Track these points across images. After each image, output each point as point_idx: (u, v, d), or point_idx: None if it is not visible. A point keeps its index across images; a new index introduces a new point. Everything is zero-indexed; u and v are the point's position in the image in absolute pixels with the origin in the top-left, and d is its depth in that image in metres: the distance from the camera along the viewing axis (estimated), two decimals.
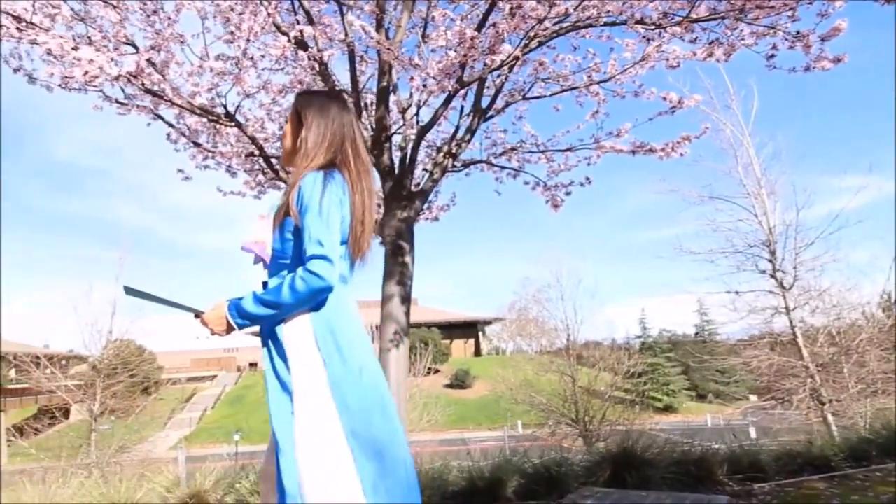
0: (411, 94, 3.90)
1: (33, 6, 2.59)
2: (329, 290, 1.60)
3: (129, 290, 1.83)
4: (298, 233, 1.64)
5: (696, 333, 35.47)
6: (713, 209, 10.99)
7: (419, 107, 3.83)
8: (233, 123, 3.60)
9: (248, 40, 3.17)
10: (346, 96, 2.02)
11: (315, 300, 1.63)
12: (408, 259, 3.31)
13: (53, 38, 2.55)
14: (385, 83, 3.47)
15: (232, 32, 3.14)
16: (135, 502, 4.17)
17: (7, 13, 2.51)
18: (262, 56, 3.39)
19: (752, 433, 10.14)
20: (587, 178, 4.16)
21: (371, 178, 1.80)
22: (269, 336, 1.70)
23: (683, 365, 31.93)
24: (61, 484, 4.47)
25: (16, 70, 3.53)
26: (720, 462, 3.98)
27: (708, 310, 32.05)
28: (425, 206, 4.21)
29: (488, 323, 47.16)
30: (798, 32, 3.09)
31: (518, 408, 15.46)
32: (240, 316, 1.66)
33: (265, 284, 1.76)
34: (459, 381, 34.13)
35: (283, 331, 1.66)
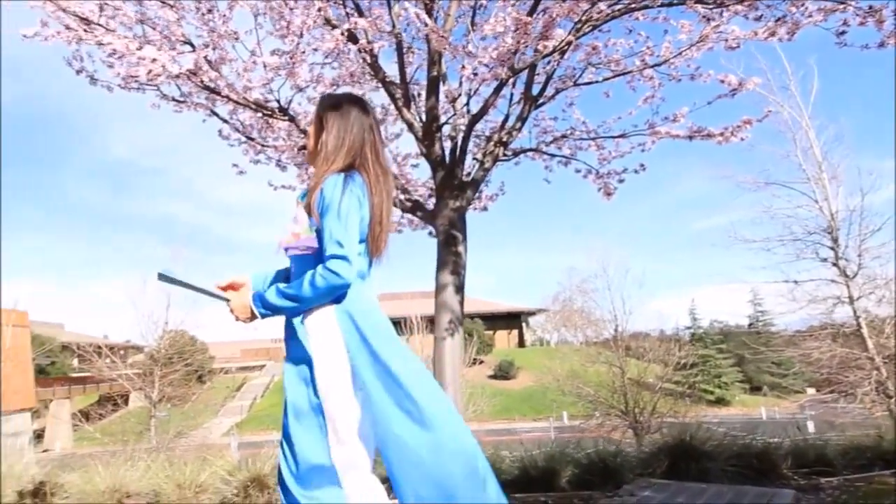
0: (460, 84, 3.88)
1: (100, 8, 2.69)
2: (346, 286, 1.70)
3: (163, 277, 1.90)
4: (319, 231, 1.73)
5: (750, 324, 34.21)
6: (770, 195, 10.57)
7: (469, 96, 3.82)
8: (286, 117, 3.66)
9: (300, 35, 3.21)
10: (368, 100, 2.08)
11: (333, 296, 1.73)
12: (461, 248, 3.31)
13: (119, 39, 2.64)
14: (435, 73, 3.47)
15: (287, 27, 3.18)
16: (199, 484, 4.33)
17: (76, 15, 2.61)
18: (315, 50, 3.43)
19: (811, 427, 9.78)
20: (641, 165, 4.07)
21: (390, 180, 1.88)
22: (291, 326, 1.80)
23: (736, 356, 30.90)
24: (129, 466, 4.68)
25: (78, 72, 3.67)
26: (784, 455, 3.85)
27: (762, 300, 30.84)
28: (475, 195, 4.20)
29: (532, 314, 46.85)
30: (870, 7, 2.93)
31: (564, 399, 15.32)
32: (263, 306, 1.77)
33: (281, 273, 1.94)
34: (503, 372, 34.06)
35: (307, 322, 1.76)
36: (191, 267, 14.59)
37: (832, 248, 9.56)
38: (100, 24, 2.70)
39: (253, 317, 1.81)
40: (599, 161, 4.35)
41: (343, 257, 1.67)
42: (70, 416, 35.48)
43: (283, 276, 2.03)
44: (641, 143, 4.14)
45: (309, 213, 1.78)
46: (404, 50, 3.83)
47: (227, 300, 1.89)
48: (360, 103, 1.95)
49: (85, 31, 2.65)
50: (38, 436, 32.62)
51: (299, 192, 1.94)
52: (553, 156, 4.21)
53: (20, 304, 22.06)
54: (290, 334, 1.84)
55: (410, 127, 3.50)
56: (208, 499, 4.26)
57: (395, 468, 1.69)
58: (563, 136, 4.06)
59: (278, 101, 3.66)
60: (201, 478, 4.39)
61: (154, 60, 2.68)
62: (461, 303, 3.25)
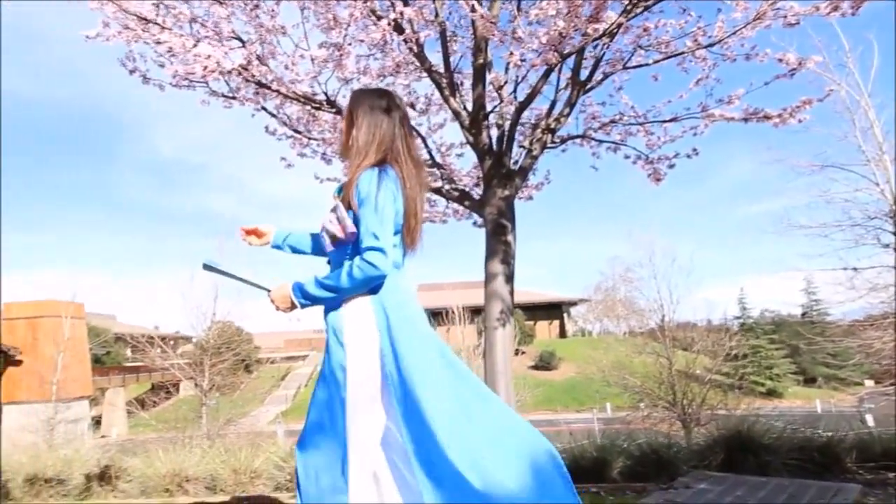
0: (506, 70, 3.83)
1: (157, 8, 2.75)
2: (382, 277, 1.77)
3: (207, 267, 1.99)
4: (356, 224, 1.80)
5: (804, 313, 32.90)
6: (826, 179, 10.06)
7: (517, 83, 3.77)
8: (333, 109, 3.69)
9: (348, 25, 3.23)
10: (397, 93, 2.09)
11: (369, 286, 1.80)
12: (510, 238, 3.28)
13: (175, 37, 2.70)
14: (481, 60, 3.43)
15: (333, 19, 3.19)
16: (253, 470, 4.44)
17: (135, 15, 2.68)
18: (362, 41, 3.44)
19: (870, 420, 9.36)
20: (694, 150, 3.95)
21: (422, 172, 1.93)
22: (330, 315, 1.85)
23: (789, 347, 29.82)
24: (187, 452, 4.84)
25: (132, 71, 3.76)
26: (847, 449, 3.70)
27: (817, 288, 29.58)
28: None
29: (573, 304, 46.32)
30: None
31: (609, 390, 15.12)
32: (303, 296, 1.84)
33: (303, 239, 2.06)
34: (545, 363, 33.86)
35: (344, 311, 1.82)
36: (235, 259, 14.91)
37: (895, 234, 9.09)
38: (157, 23, 2.76)
39: (293, 306, 1.88)
40: (648, 146, 4.25)
41: (379, 249, 1.72)
42: (125, 404, 37.06)
43: (313, 246, 2.18)
44: (693, 127, 4.02)
45: (347, 207, 1.84)
46: (448, 39, 3.81)
47: (268, 290, 1.95)
48: (389, 97, 1.98)
49: (143, 30, 2.72)
50: (96, 422, 34.12)
51: (336, 187, 1.99)
52: (601, 142, 4.13)
53: (77, 297, 22.94)
54: (325, 323, 1.90)
55: (457, 116, 3.48)
56: (263, 484, 4.38)
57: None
58: (612, 122, 3.97)
59: (325, 94, 3.69)
60: (255, 464, 4.51)
61: (208, 57, 2.74)
62: (511, 293, 3.23)
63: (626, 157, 4.20)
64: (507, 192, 3.37)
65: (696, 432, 8.29)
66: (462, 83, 4.17)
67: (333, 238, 1.86)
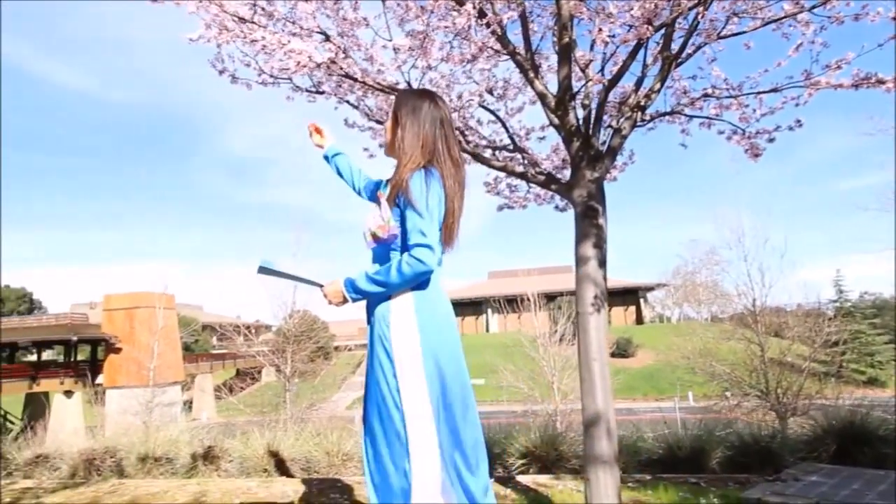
0: (591, 48, 3.71)
1: (254, 7, 2.85)
2: (430, 273, 1.90)
3: (263, 270, 2.09)
4: (403, 222, 1.92)
5: None
6: None
7: (604, 61, 3.64)
8: None
9: (431, 11, 3.22)
10: (438, 92, 2.29)
11: (417, 281, 1.92)
12: (601, 221, 3.19)
13: (271, 34, 2.78)
14: (567, 39, 3.33)
15: (418, 7, 3.19)
16: (344, 452, 4.58)
17: (233, 15, 2.78)
18: (447, 27, 3.42)
19: None
20: (797, 121, 3.68)
21: (461, 172, 2.04)
22: (375, 309, 1.98)
23: (893, 332, 27.66)
24: (282, 434, 5.06)
25: (220, 72, 3.91)
26: None
27: None
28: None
29: (650, 289, 44.89)
30: None
31: (693, 378, 14.57)
32: (354, 291, 1.97)
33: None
34: (621, 350, 33.09)
35: (390, 305, 1.95)
36: (308, 251, 15.41)
37: None
38: (253, 22, 2.86)
39: (344, 300, 2.01)
40: (741, 120, 4.01)
41: (428, 246, 1.84)
42: (213, 389, 39.31)
43: (351, 178, 2.48)
44: (795, 97, 3.75)
45: (391, 205, 1.96)
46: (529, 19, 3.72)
47: (321, 286, 2.08)
48: (431, 98, 2.09)
49: (241, 30, 2.82)
50: (188, 406, 36.32)
51: (380, 183, 2.10)
52: (692, 117, 3.93)
53: (168, 289, 24.41)
54: (370, 315, 2.05)
55: (542, 98, 3.40)
56: (355, 466, 4.51)
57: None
58: (706, 96, 3.77)
59: (408, 83, 3.70)
60: (346, 447, 4.65)
61: (300, 52, 2.81)
62: (605, 277, 3.15)
63: (721, 132, 3.98)
64: (596, 174, 3.27)
65: (791, 423, 7.85)
66: (540, 65, 4.08)
67: (374, 236, 1.98)
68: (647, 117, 3.68)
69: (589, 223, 3.18)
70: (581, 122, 3.47)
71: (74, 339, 33.16)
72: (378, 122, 4.40)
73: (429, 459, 1.91)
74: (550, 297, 19.83)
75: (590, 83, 3.55)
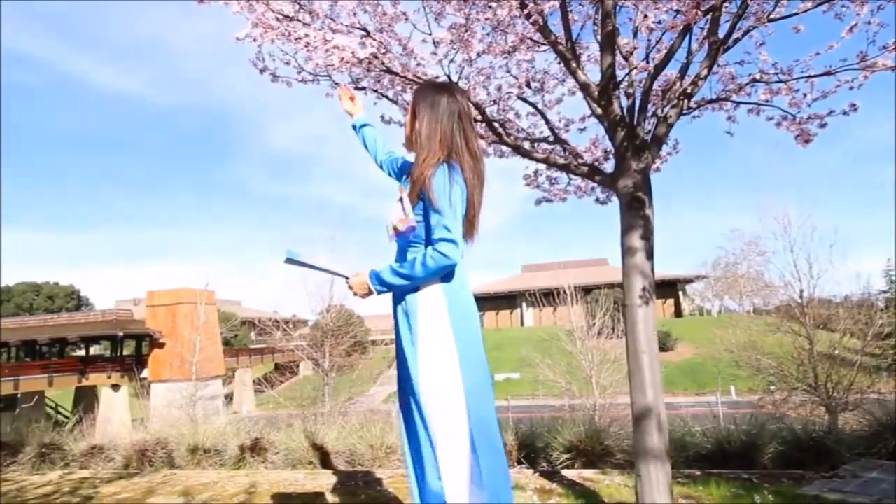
0: (635, 35, 3.64)
1: (297, 4, 2.88)
2: (454, 266, 1.93)
3: (290, 261, 2.13)
4: (426, 216, 1.96)
5: None
6: None
7: (649, 48, 3.56)
8: None
9: (473, 3, 3.20)
10: (458, 85, 2.31)
11: (441, 274, 1.96)
12: (648, 212, 3.13)
13: (315, 31, 2.81)
14: (610, 27, 3.27)
15: (463, 0, 3.18)
16: (388, 445, 4.62)
17: (277, 13, 2.82)
18: (488, 19, 3.39)
19: None
20: (852, 105, 3.54)
21: (480, 165, 2.06)
22: (402, 301, 2.02)
23: None
24: (326, 427, 5.14)
25: (262, 71, 3.97)
26: None
27: None
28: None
29: (689, 281, 43.91)
30: None
31: (736, 372, 14.22)
32: (379, 283, 2.00)
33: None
34: (660, 344, 32.49)
35: (418, 297, 1.98)
36: (344, 245, 15.57)
37: None
38: (298, 20, 2.89)
39: (369, 292, 2.05)
40: (791, 105, 3.88)
41: (452, 241, 1.87)
42: (252, 382, 40.16)
43: (374, 151, 2.56)
44: (849, 80, 3.61)
45: (413, 200, 1.99)
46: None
47: (347, 277, 2.12)
48: (449, 91, 2.11)
49: (286, 28, 2.85)
50: (229, 399, 37.18)
51: (407, 182, 2.11)
52: (741, 104, 3.81)
53: (209, 285, 24.99)
54: (396, 308, 2.08)
55: (585, 88, 3.35)
56: (398, 459, 4.54)
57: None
58: (755, 81, 3.66)
59: (448, 76, 3.69)
60: (389, 440, 4.69)
61: (344, 48, 2.83)
62: (653, 269, 3.09)
63: (769, 118, 3.86)
64: (642, 164, 3.21)
65: (842, 418, 7.58)
66: (580, 55, 4.02)
67: (395, 229, 2.03)
68: (694, 105, 3.59)
69: (635, 214, 3.12)
70: (625, 111, 3.40)
71: (120, 334, 34.31)
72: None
73: (462, 452, 1.95)
74: (587, 290, 19.60)
75: (634, 71, 3.48)
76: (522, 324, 55.21)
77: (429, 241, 1.98)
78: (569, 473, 3.84)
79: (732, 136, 4.25)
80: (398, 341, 2.12)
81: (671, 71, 3.86)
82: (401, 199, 2.08)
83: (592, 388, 12.48)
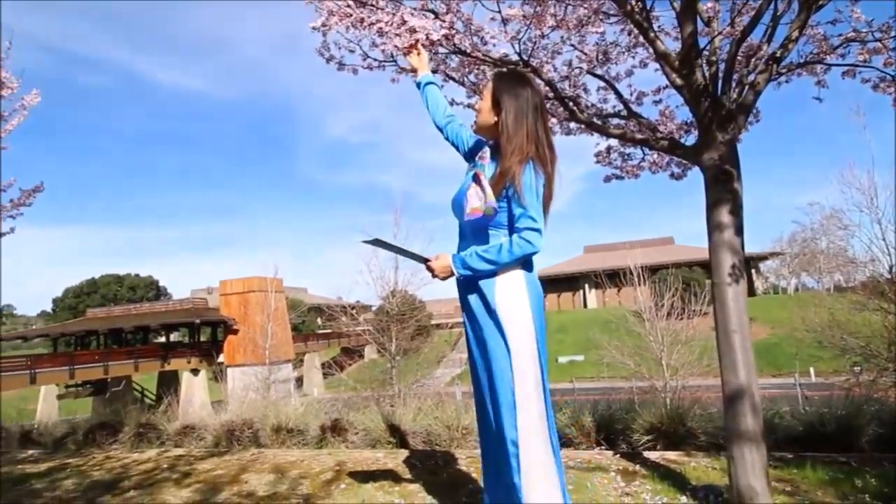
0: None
1: None
2: (535, 254, 2.04)
3: (373, 241, 2.20)
4: (510, 205, 2.04)
5: None
6: None
7: (733, 12, 3.38)
8: (528, 70, 3.62)
9: None
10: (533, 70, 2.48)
11: (522, 260, 2.05)
12: (736, 186, 2.98)
13: (388, 16, 2.82)
14: None
15: None
16: (464, 426, 4.67)
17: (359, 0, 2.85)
18: None
19: None
20: None
21: (555, 155, 2.14)
22: (475, 287, 2.10)
23: None
24: (403, 408, 5.24)
25: (328, 60, 4.02)
26: None
27: None
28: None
29: (763, 258, 41.88)
30: None
31: (817, 353, 13.50)
32: (463, 267, 2.08)
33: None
34: None
35: (496, 282, 2.06)
36: (408, 231, 15.74)
37: None
38: (372, 5, 2.91)
39: (451, 275, 2.12)
40: (885, 65, 3.60)
41: (538, 230, 1.98)
42: (321, 366, 41.49)
43: (435, 113, 2.63)
44: None
45: (498, 192, 2.04)
46: None
47: (427, 260, 2.17)
48: (529, 83, 2.19)
49: (360, 15, 2.88)
50: (299, 382, 38.55)
51: (485, 166, 2.18)
52: (833, 66, 3.57)
53: (277, 273, 25.87)
54: (471, 291, 2.15)
55: (665, 58, 3.21)
56: (475, 440, 4.58)
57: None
58: (849, 41, 3.41)
59: (519, 54, 3.63)
60: (465, 421, 4.73)
61: (420, 30, 2.82)
62: (742, 246, 2.96)
63: (865, 80, 3.60)
64: (728, 136, 3.06)
65: None
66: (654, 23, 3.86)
67: (474, 211, 2.07)
68: (783, 70, 3.39)
69: (722, 188, 2.98)
70: (708, 80, 3.25)
71: (197, 321, 36.12)
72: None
73: (539, 436, 2.01)
74: (653, 270, 19.06)
75: (717, 38, 3.31)
76: (585, 305, 54.36)
77: (511, 229, 2.05)
78: (651, 455, 3.77)
79: (822, 101, 4.00)
80: (472, 325, 2.16)
81: (754, 36, 3.66)
82: (479, 182, 2.11)
83: (663, 369, 12.15)
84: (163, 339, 42.66)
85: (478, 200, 2.09)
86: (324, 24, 2.95)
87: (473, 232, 2.16)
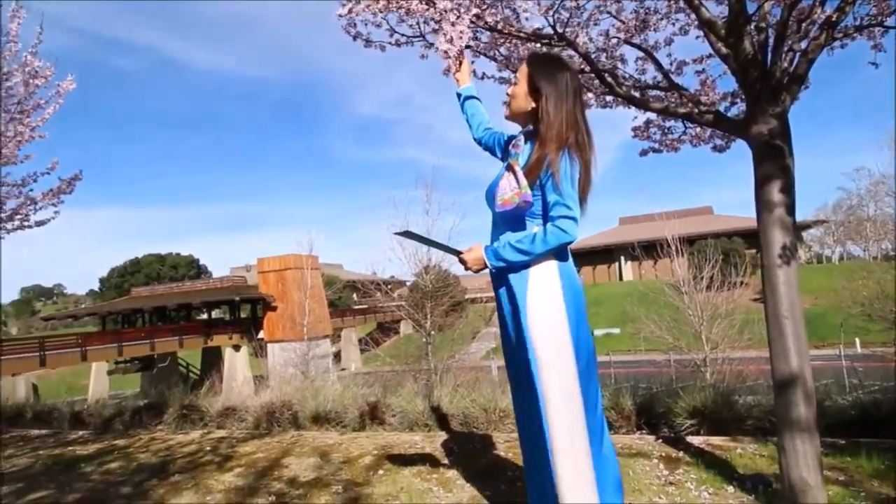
0: None
1: None
2: (571, 243, 1.96)
3: (405, 233, 2.20)
4: (544, 194, 1.98)
5: None
6: None
7: None
8: (563, 43, 3.46)
9: None
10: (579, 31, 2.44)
11: (557, 250, 1.99)
12: (788, 161, 2.80)
13: (415, 2, 2.72)
14: None
15: None
16: (501, 409, 4.63)
17: None
18: None
19: None
20: None
21: (593, 141, 2.09)
22: (509, 278, 2.05)
23: None
24: (440, 389, 5.23)
25: (355, 38, 3.92)
26: None
27: None
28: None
29: (806, 227, 40.48)
30: None
31: (864, 324, 13.03)
32: (496, 259, 2.03)
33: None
34: None
35: (529, 273, 2.00)
36: (439, 206, 15.65)
37: None
38: None
39: (484, 267, 2.08)
40: None
41: (573, 218, 1.92)
42: (357, 341, 42.18)
43: (475, 126, 2.62)
44: None
45: (533, 179, 1.99)
46: None
47: (459, 252, 2.13)
48: (567, 67, 2.14)
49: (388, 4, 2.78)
50: (337, 357, 39.32)
51: (519, 155, 2.11)
52: (890, 29, 3.30)
53: (313, 250, 26.18)
54: (502, 284, 2.10)
55: (710, 26, 3.02)
56: (512, 423, 4.55)
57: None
58: None
59: (553, 28, 3.47)
60: (502, 403, 4.69)
61: (446, 11, 2.70)
62: (794, 225, 2.79)
63: None
64: (779, 108, 2.87)
65: None
66: None
67: (507, 201, 2.02)
68: (839, 34, 3.15)
69: (773, 164, 2.81)
70: (757, 48, 3.04)
71: (237, 299, 37.02)
72: (513, 70, 4.21)
73: (576, 434, 1.96)
74: (691, 241, 18.58)
75: (767, 2, 3.08)
76: (621, 278, 53.70)
77: (546, 218, 1.99)
78: (695, 440, 3.67)
79: (878, 67, 3.73)
80: (506, 316, 2.12)
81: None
82: (513, 171, 2.06)
83: (703, 343, 11.92)
84: (205, 317, 43.93)
85: (510, 191, 2.05)
86: (350, 11, 2.85)
87: (506, 221, 2.13)
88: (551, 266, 2.02)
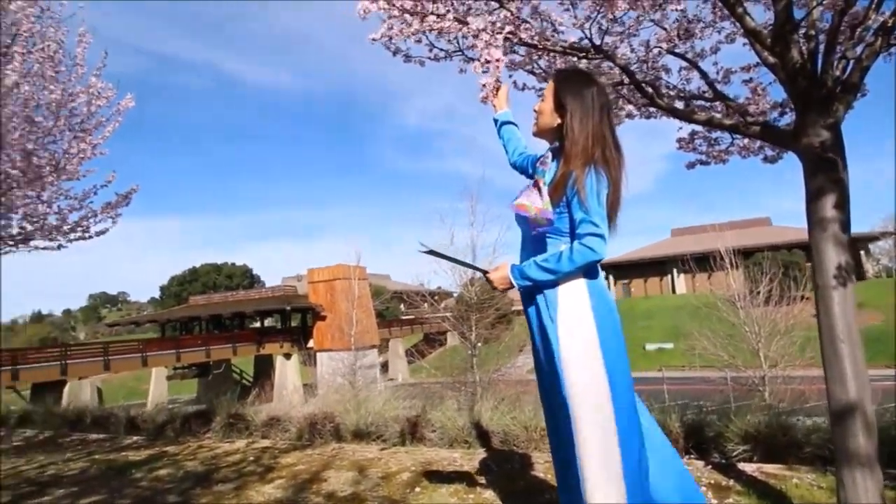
0: None
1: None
2: (599, 261, 1.91)
3: (429, 251, 2.13)
4: (570, 211, 1.93)
5: None
6: None
7: None
8: (600, 56, 3.40)
9: None
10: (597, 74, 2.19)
11: (585, 268, 1.93)
12: (842, 175, 2.64)
13: (449, 21, 2.74)
14: None
15: None
16: (542, 427, 4.54)
17: (406, 11, 2.77)
18: None
19: None
20: None
21: (623, 157, 2.03)
22: (538, 298, 1.99)
23: None
24: (481, 405, 5.18)
25: (394, 53, 3.95)
26: None
27: None
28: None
29: (874, 238, 38.37)
30: None
31: None
32: (522, 278, 1.98)
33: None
34: None
35: (558, 292, 1.95)
36: (484, 217, 15.64)
37: None
38: (433, 13, 2.81)
39: (510, 286, 2.04)
40: None
41: (601, 235, 1.86)
42: (404, 352, 42.40)
43: (512, 152, 2.57)
44: None
45: (557, 196, 1.95)
46: None
47: (485, 271, 2.10)
48: (595, 82, 2.09)
49: (420, 24, 2.80)
50: (384, 367, 39.62)
51: (546, 172, 2.07)
52: None
53: (361, 261, 26.54)
54: (531, 304, 2.04)
55: (756, 35, 2.90)
56: None
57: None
58: None
59: (590, 40, 3.41)
60: (542, 423, 4.59)
61: (481, 31, 2.70)
62: (850, 242, 2.63)
63: None
64: (831, 119, 2.71)
65: None
66: None
67: (532, 220, 2.00)
68: (894, 41, 2.96)
69: (825, 178, 2.66)
70: (806, 57, 2.90)
71: (288, 308, 37.89)
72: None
73: (612, 465, 1.87)
74: (747, 254, 17.87)
75: (816, 8, 2.94)
76: (673, 291, 52.15)
77: (573, 236, 1.94)
78: (747, 468, 3.49)
79: None
80: (537, 337, 2.07)
81: (860, 4, 3.24)
82: (538, 188, 2.03)
83: (761, 361, 11.40)
84: (258, 325, 45.13)
85: (526, 200, 2.03)
86: (383, 35, 2.89)
87: (534, 241, 2.09)
88: (580, 285, 1.96)
